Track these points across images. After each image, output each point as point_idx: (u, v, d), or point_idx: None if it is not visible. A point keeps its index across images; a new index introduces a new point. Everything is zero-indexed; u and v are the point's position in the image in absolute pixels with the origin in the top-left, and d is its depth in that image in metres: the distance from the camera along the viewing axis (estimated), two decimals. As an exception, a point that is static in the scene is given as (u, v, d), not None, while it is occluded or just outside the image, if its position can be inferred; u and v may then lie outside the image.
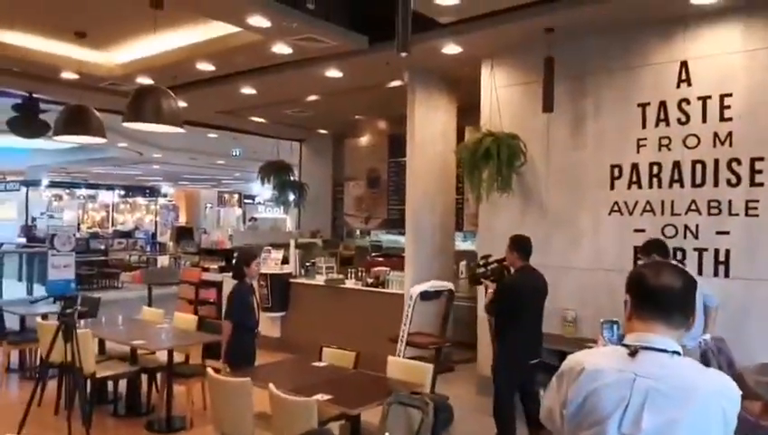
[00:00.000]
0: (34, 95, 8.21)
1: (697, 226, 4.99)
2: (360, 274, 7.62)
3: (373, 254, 9.69)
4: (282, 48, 6.14)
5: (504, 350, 4.53)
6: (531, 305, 4.53)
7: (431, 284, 6.13)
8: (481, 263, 5.03)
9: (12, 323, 6.65)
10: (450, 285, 6.29)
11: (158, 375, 5.61)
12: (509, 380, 4.47)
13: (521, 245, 4.58)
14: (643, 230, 5.25)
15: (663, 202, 5.17)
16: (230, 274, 8.18)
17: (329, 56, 6.42)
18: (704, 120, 4.99)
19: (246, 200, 28.74)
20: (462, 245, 8.87)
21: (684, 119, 5.09)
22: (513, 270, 4.64)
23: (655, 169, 5.23)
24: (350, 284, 7.51)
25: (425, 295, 5.95)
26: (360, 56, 6.31)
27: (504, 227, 5.71)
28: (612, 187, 5.46)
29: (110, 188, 26.55)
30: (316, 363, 4.45)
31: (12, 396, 6.24)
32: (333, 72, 7.01)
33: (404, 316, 5.77)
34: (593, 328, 5.10)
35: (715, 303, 4.35)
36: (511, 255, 4.59)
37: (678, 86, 5.12)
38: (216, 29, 6.08)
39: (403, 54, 4.02)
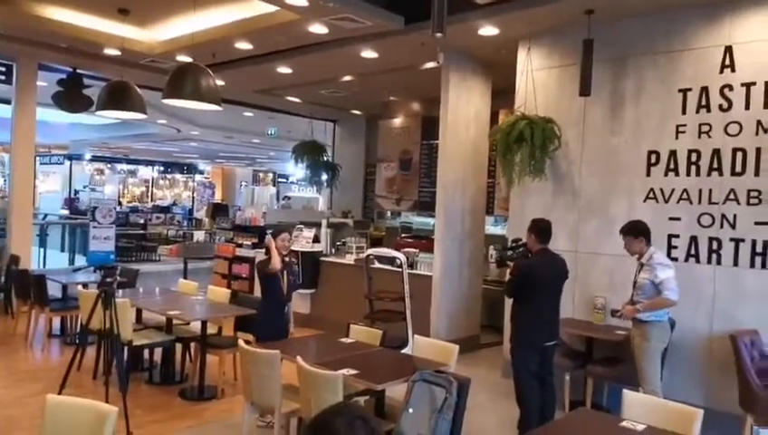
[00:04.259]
0: (78, 71, 8.45)
1: (735, 215, 4.87)
2: (389, 254, 7.68)
3: (403, 235, 9.73)
4: (318, 28, 6.17)
5: (518, 331, 4.54)
6: (546, 288, 4.50)
7: (377, 250, 7.38)
8: (510, 246, 5.03)
9: (54, 290, 6.91)
10: (400, 255, 6.70)
11: (192, 345, 5.79)
12: (525, 361, 4.48)
13: (539, 228, 4.55)
14: (678, 218, 5.16)
15: (701, 190, 5.06)
16: (262, 250, 8.38)
17: (364, 36, 6.43)
18: (747, 108, 4.84)
19: (280, 179, 29.07)
20: (492, 229, 8.83)
21: (726, 105, 4.95)
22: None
23: (693, 157, 5.10)
24: (379, 264, 7.56)
25: (379, 259, 7.17)
26: (396, 36, 6.30)
27: (536, 211, 5.66)
28: (648, 173, 5.36)
29: (149, 163, 27.21)
30: (343, 340, 4.53)
31: (53, 360, 6.53)
32: (368, 53, 7.02)
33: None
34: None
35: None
36: (529, 238, 4.56)
37: (722, 72, 4.97)
38: (254, 8, 6.14)
39: (438, 35, 4.00)
